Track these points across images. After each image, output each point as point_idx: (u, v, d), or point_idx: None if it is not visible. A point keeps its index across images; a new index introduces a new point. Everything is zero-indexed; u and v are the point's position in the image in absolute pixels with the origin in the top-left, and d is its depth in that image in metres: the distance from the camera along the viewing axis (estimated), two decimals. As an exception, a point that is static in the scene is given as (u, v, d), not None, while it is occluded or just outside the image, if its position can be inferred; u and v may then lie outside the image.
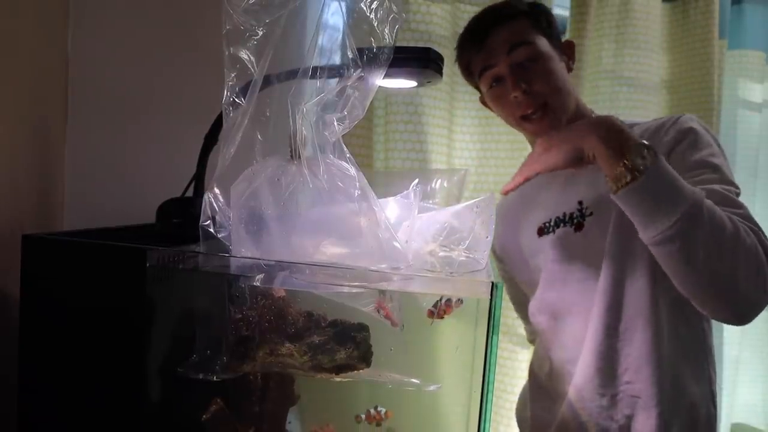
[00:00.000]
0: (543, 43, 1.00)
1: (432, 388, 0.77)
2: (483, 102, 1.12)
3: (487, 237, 0.66)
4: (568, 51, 1.06)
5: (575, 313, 0.97)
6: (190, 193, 0.80)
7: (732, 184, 0.88)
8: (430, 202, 0.86)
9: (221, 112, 0.61)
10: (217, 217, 0.60)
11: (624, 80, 1.63)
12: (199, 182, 0.79)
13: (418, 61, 0.76)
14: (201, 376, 0.62)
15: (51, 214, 0.91)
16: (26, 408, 0.63)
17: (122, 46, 0.99)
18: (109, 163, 0.97)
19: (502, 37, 0.98)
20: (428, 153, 1.36)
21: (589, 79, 1.63)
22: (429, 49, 0.77)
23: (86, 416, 0.62)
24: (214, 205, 0.60)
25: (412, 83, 0.83)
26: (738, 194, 0.87)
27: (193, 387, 0.65)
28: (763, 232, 0.82)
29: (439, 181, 0.89)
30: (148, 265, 0.58)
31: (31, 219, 0.85)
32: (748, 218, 0.83)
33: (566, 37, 1.58)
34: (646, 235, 0.81)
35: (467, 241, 0.65)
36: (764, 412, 2.03)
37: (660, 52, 1.73)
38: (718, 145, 0.93)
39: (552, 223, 1.01)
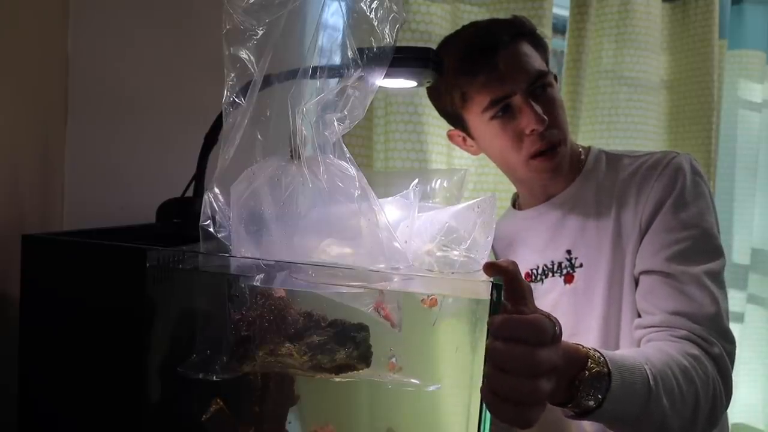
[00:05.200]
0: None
1: (432, 388, 0.77)
2: (451, 137, 0.99)
3: (488, 237, 0.66)
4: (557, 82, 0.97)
5: None
6: (190, 193, 0.80)
7: (716, 248, 0.83)
8: (430, 202, 0.86)
9: (221, 112, 0.61)
10: (217, 217, 0.60)
11: (624, 80, 1.63)
12: (199, 182, 0.78)
13: (418, 61, 0.76)
14: (201, 376, 0.62)
15: (51, 214, 0.90)
16: (26, 408, 0.63)
17: (122, 46, 0.99)
18: (109, 163, 0.97)
19: (526, 56, 0.86)
20: (428, 153, 1.36)
21: (589, 79, 1.63)
22: (429, 49, 0.78)
23: (86, 416, 0.62)
24: (214, 205, 0.60)
25: (412, 83, 0.83)
26: (721, 249, 0.84)
27: (193, 387, 0.64)
28: (730, 350, 0.77)
29: (439, 181, 0.89)
30: (148, 265, 0.58)
31: (31, 219, 0.85)
32: (719, 322, 0.77)
33: (566, 37, 1.59)
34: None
35: (468, 242, 0.65)
36: (764, 412, 2.03)
37: (660, 52, 1.73)
38: (707, 187, 0.88)
39: (540, 271, 0.95)
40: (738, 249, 1.92)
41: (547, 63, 0.93)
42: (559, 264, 0.93)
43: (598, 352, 0.65)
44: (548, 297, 0.94)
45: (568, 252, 0.92)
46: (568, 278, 0.92)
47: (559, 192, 0.96)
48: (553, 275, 0.94)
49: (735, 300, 1.92)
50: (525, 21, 0.93)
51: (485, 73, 0.87)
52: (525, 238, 0.99)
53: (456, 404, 0.89)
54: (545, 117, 0.86)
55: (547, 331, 0.53)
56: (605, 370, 0.64)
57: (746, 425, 2.02)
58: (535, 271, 0.96)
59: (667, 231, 0.83)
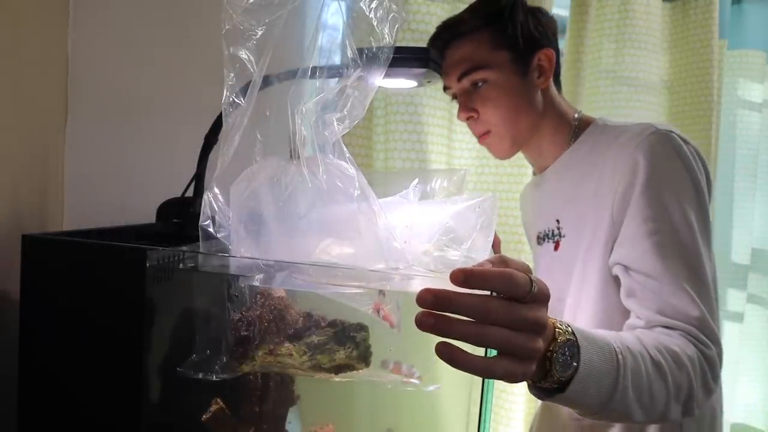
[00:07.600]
0: (500, 62, 0.94)
1: (432, 388, 0.77)
2: None
3: (488, 238, 0.66)
4: (544, 60, 0.96)
5: None
6: (190, 193, 0.80)
7: (691, 241, 0.79)
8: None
9: (221, 112, 0.61)
10: (216, 217, 0.60)
11: (624, 80, 1.64)
12: (199, 182, 0.79)
13: (418, 61, 0.76)
14: (201, 376, 0.62)
15: (51, 214, 0.90)
16: (26, 408, 0.63)
17: (122, 46, 0.99)
18: (109, 163, 0.97)
19: (455, 59, 0.96)
20: (428, 153, 1.36)
21: (589, 79, 1.63)
22: (429, 49, 0.78)
23: (86, 416, 0.62)
24: (214, 205, 0.60)
25: (412, 83, 0.83)
26: (707, 221, 0.81)
27: (193, 387, 0.64)
28: (714, 341, 0.74)
29: (439, 181, 0.89)
30: (148, 265, 0.58)
31: (31, 219, 0.85)
32: (704, 321, 0.74)
33: (566, 37, 1.58)
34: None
35: (469, 242, 0.65)
36: (764, 412, 2.03)
37: (660, 52, 1.73)
38: (688, 166, 0.84)
39: (542, 236, 1.01)
40: (738, 249, 1.92)
41: (516, 45, 0.95)
42: (552, 231, 0.99)
43: (562, 322, 0.61)
44: (542, 261, 1.01)
45: (557, 221, 0.97)
46: (557, 245, 0.97)
47: (550, 164, 1.01)
48: (547, 241, 1.00)
49: (735, 300, 1.92)
50: (466, 19, 0.98)
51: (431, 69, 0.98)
52: (532, 204, 1.08)
53: (456, 404, 0.89)
54: (465, 113, 0.97)
55: (521, 285, 0.49)
56: (573, 337, 0.60)
57: (746, 425, 2.02)
58: (540, 234, 1.03)
59: (637, 223, 0.80)
